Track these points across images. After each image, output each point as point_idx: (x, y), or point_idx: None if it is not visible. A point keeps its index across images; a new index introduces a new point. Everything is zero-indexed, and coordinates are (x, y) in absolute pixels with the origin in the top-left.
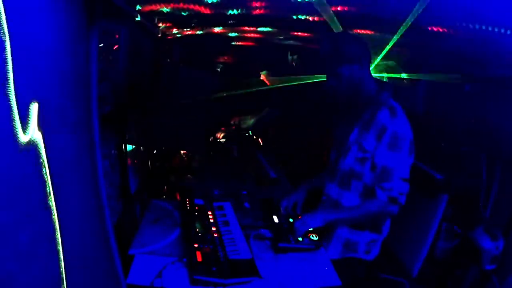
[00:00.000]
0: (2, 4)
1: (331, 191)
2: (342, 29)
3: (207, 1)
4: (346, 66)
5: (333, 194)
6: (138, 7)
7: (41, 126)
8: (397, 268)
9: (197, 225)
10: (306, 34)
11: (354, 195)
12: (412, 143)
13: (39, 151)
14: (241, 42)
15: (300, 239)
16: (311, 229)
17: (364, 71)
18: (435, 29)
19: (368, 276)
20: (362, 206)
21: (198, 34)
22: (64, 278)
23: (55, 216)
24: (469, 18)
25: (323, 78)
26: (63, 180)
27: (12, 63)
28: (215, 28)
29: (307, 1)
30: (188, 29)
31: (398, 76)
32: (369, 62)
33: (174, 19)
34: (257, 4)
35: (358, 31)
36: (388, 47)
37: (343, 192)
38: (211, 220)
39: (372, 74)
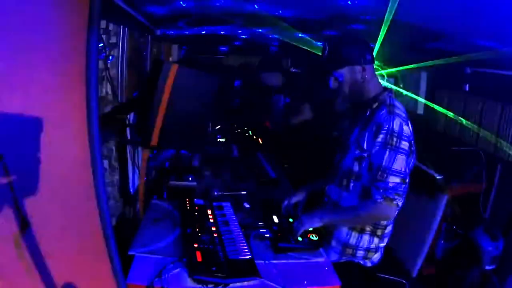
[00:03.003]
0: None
1: (332, 192)
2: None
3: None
4: (347, 67)
5: (333, 195)
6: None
7: (41, 126)
8: (397, 268)
9: (197, 225)
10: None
11: (353, 196)
12: (411, 143)
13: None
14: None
15: (300, 239)
16: (311, 229)
17: (367, 71)
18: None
19: (365, 283)
20: (358, 206)
21: (199, 34)
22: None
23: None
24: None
25: None
26: (63, 180)
27: (12, 63)
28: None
29: None
30: (189, 29)
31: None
32: (372, 62)
33: (175, 19)
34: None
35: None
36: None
37: (342, 192)
38: (211, 220)
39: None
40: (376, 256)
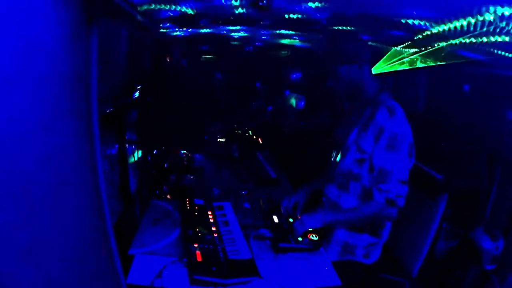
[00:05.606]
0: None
1: (330, 193)
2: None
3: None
4: (345, 65)
5: (332, 196)
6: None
7: (41, 126)
8: (397, 268)
9: (197, 225)
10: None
11: (353, 197)
12: (411, 145)
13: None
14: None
15: (300, 239)
16: (311, 229)
17: (363, 70)
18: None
19: (366, 280)
20: (360, 208)
21: (199, 34)
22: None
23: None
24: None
25: None
26: (63, 180)
27: (11, 63)
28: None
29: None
30: (189, 29)
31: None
32: (369, 61)
33: (175, 18)
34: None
35: None
36: None
37: (341, 193)
38: (211, 220)
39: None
40: (375, 254)
